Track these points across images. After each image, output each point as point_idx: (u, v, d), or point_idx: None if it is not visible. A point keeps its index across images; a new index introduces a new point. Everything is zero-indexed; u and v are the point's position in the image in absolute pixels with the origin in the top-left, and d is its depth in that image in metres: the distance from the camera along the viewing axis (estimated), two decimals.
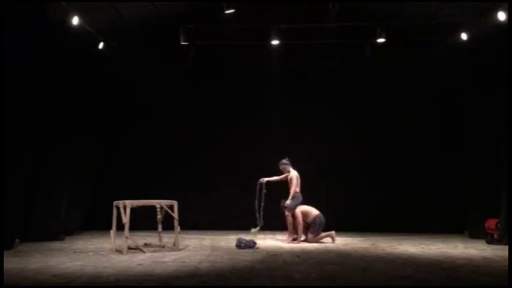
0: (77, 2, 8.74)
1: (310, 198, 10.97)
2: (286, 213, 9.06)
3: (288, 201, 9.07)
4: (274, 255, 7.17)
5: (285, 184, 9.34)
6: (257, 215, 9.27)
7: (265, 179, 9.37)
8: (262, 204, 9.25)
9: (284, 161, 9.38)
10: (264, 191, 9.27)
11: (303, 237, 9.13)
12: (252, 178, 10.55)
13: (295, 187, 9.12)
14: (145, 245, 7.88)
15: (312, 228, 9.05)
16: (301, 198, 9.19)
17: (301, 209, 9.14)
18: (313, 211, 9.16)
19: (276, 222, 10.15)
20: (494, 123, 9.11)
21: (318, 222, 9.02)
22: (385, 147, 11.51)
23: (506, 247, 7.90)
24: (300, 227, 9.04)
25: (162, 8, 9.83)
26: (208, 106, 11.79)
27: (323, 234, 9.10)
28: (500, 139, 8.82)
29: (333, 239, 9.03)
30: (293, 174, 9.24)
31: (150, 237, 8.71)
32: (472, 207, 9.88)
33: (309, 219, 9.09)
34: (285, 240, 9.11)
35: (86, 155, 10.30)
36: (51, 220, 8.89)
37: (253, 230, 9.29)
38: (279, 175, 9.46)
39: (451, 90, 10.91)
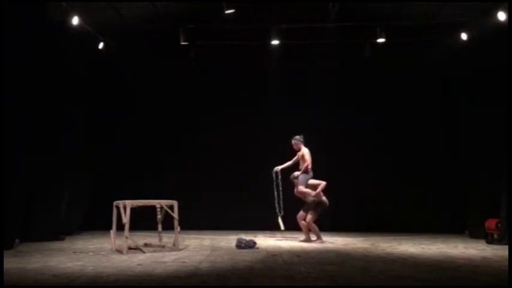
0: (77, 2, 8.74)
1: None
2: (300, 214, 8.99)
3: (298, 173, 9.03)
4: (274, 255, 7.17)
5: (297, 167, 9.34)
6: (276, 205, 9.36)
7: (279, 167, 9.39)
8: (280, 193, 9.32)
9: (297, 137, 9.33)
10: (279, 182, 9.34)
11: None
12: (252, 178, 10.58)
13: (308, 162, 9.06)
14: (145, 245, 7.87)
15: (318, 208, 8.98)
16: (311, 175, 9.14)
17: (310, 181, 9.06)
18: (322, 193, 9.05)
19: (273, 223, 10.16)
20: (494, 123, 9.11)
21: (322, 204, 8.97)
22: (385, 147, 11.51)
23: (506, 247, 7.90)
24: (310, 222, 8.96)
25: (162, 8, 9.84)
26: (208, 106, 11.80)
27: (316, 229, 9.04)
28: (500, 139, 8.81)
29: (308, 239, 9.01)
30: (305, 150, 9.18)
31: (150, 237, 8.71)
32: (472, 207, 9.89)
33: (318, 190, 8.98)
34: (301, 240, 9.05)
35: (86, 155, 10.30)
36: (51, 220, 8.88)
37: (281, 226, 9.34)
38: (290, 159, 9.44)
39: (450, 90, 10.92)
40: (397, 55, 10.88)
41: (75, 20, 8.85)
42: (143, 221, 8.33)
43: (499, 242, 8.59)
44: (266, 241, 9.07)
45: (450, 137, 10.94)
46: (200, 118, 11.78)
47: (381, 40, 10.11)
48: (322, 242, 8.96)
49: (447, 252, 7.59)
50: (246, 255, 7.08)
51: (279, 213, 9.44)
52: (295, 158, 9.37)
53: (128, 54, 11.02)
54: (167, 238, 8.05)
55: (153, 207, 7.63)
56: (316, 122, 11.62)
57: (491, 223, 8.92)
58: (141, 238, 8.62)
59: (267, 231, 10.42)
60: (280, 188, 9.42)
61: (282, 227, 9.38)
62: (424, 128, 11.44)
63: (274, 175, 9.43)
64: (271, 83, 11.54)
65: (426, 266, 6.25)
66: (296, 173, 9.16)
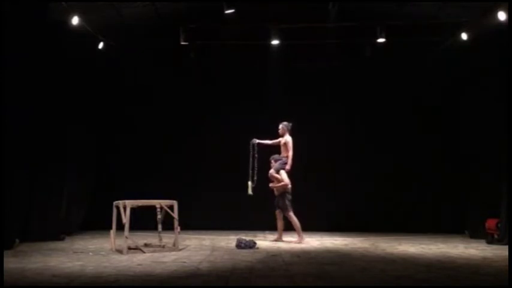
0: (77, 2, 8.74)
1: (309, 197, 10.98)
2: (289, 215, 9.02)
3: (288, 167, 9.04)
4: (274, 255, 7.17)
5: (276, 148, 9.38)
6: (250, 173, 9.37)
7: (257, 140, 9.42)
8: (255, 164, 9.33)
9: (286, 123, 9.36)
10: (256, 155, 9.35)
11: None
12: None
13: (292, 152, 9.09)
14: (145, 245, 7.87)
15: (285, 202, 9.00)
16: (288, 168, 9.12)
17: (282, 173, 9.10)
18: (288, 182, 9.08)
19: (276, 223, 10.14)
20: (494, 123, 9.11)
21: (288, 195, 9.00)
22: (385, 146, 11.50)
23: (506, 247, 7.90)
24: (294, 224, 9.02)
25: (162, 8, 9.83)
26: (208, 106, 11.79)
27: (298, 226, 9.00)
28: (500, 139, 8.81)
29: (299, 240, 8.95)
30: (288, 138, 9.22)
31: (150, 237, 8.71)
32: (472, 207, 9.89)
33: (284, 183, 9.03)
34: (293, 241, 9.04)
35: (86, 155, 10.31)
36: (51, 220, 8.88)
37: (249, 191, 9.38)
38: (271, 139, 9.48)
39: (450, 90, 10.92)
40: (397, 55, 10.88)
41: (75, 20, 8.85)
42: (143, 221, 8.33)
43: (499, 242, 8.59)
44: (266, 241, 9.07)
45: (450, 137, 10.94)
46: (200, 118, 11.77)
47: (381, 40, 10.10)
48: (280, 241, 8.90)
49: (447, 252, 7.59)
50: (246, 255, 7.08)
51: (250, 183, 9.40)
52: (277, 141, 9.40)
53: (128, 54, 11.01)
54: (167, 238, 8.04)
55: (153, 207, 7.62)
56: (316, 122, 11.62)
57: (491, 223, 8.91)
58: (141, 238, 8.61)
59: (267, 231, 10.42)
60: (256, 163, 9.36)
61: (250, 192, 9.39)
62: (424, 128, 11.43)
63: (251, 147, 9.41)
64: (271, 83, 11.52)
65: (426, 266, 6.25)
66: (276, 156, 9.25)
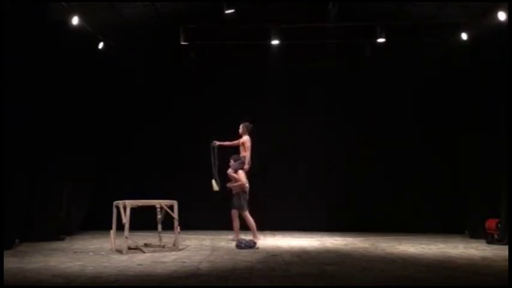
0: (77, 2, 8.74)
1: (309, 197, 10.98)
2: (245, 215, 9.07)
3: (246, 166, 9.09)
4: (274, 255, 7.17)
5: (236, 149, 9.38)
6: (214, 176, 9.29)
7: (218, 143, 9.37)
8: (216, 165, 9.26)
9: (247, 123, 9.37)
10: (215, 156, 9.28)
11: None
12: (252, 178, 10.55)
13: (250, 151, 9.14)
14: (145, 245, 7.86)
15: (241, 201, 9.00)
16: (247, 168, 9.16)
17: (240, 173, 9.11)
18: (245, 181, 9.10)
19: (276, 223, 10.16)
20: (494, 122, 9.11)
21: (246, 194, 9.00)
22: (385, 147, 11.51)
23: (506, 247, 7.90)
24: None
25: (162, 8, 9.84)
26: (208, 106, 11.79)
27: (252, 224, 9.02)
28: (500, 139, 8.81)
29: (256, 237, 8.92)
30: (246, 138, 9.25)
31: (150, 237, 8.71)
32: (472, 207, 9.89)
33: (241, 182, 9.03)
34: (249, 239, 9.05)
35: (86, 155, 10.30)
36: (51, 220, 8.89)
37: (216, 188, 9.34)
38: (231, 140, 9.47)
39: (450, 90, 10.91)
40: (397, 55, 10.88)
41: (75, 20, 8.85)
42: (143, 221, 8.33)
43: (499, 242, 8.59)
44: (266, 241, 9.07)
45: (450, 137, 10.94)
46: (200, 118, 11.76)
47: (380, 40, 10.10)
48: (237, 239, 8.71)
49: (447, 252, 7.59)
50: (246, 255, 7.09)
51: (214, 180, 9.33)
52: (236, 141, 9.39)
53: (128, 54, 11.01)
54: (167, 238, 8.04)
55: (153, 207, 7.62)
56: (316, 122, 11.63)
57: (491, 223, 8.91)
58: (141, 238, 8.61)
59: (267, 231, 10.43)
60: (217, 162, 9.26)
61: (216, 188, 9.33)
62: (424, 128, 11.43)
63: (211, 149, 9.32)
64: (271, 83, 11.53)
65: (426, 266, 6.25)
66: (236, 156, 9.25)
